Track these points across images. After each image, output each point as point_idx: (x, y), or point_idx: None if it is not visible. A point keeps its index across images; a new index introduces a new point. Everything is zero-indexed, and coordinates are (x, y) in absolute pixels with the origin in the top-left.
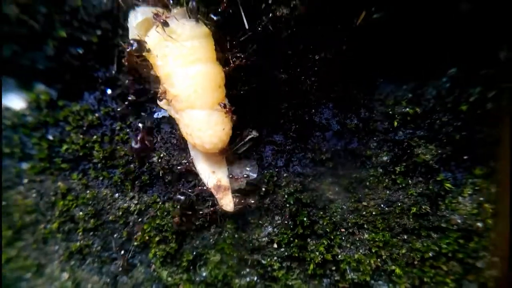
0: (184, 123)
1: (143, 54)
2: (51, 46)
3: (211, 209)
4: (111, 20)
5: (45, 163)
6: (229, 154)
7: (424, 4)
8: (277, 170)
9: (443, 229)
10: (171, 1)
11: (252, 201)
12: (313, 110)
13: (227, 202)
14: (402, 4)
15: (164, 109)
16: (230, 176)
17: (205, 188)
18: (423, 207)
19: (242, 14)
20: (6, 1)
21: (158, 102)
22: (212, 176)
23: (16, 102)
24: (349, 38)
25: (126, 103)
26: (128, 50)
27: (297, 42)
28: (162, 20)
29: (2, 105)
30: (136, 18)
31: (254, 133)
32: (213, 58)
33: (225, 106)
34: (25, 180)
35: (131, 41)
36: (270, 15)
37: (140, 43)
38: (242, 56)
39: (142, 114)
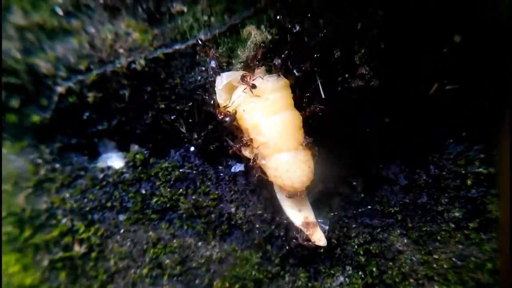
0: (272, 168)
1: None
2: (150, 115)
3: (305, 243)
4: (202, 91)
5: (138, 215)
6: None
7: (494, 74)
8: (346, 221)
9: None
10: (257, 62)
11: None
12: (381, 165)
13: (319, 237)
14: (474, 75)
15: (243, 160)
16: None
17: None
18: (498, 263)
19: (320, 85)
20: (123, 85)
21: (243, 151)
22: (299, 214)
23: (116, 162)
24: (420, 105)
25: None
26: (223, 123)
27: (368, 108)
28: (250, 84)
29: None
30: (222, 82)
31: (321, 186)
32: (292, 105)
33: (307, 145)
34: (122, 230)
35: (225, 119)
36: (346, 85)
37: (231, 117)
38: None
39: (220, 167)
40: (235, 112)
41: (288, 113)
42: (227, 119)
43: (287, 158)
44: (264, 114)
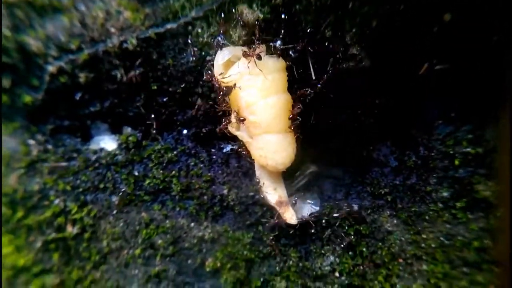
0: (258, 147)
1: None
2: (142, 97)
3: (276, 221)
4: (195, 73)
5: (131, 196)
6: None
7: (484, 54)
8: (336, 202)
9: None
10: (256, 41)
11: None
12: (371, 147)
13: (290, 216)
14: (464, 54)
15: (235, 136)
16: (294, 206)
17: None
18: (485, 241)
19: (311, 66)
20: (115, 65)
21: (230, 128)
22: (274, 193)
23: (109, 144)
24: (410, 85)
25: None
26: (220, 95)
27: (359, 88)
28: (257, 55)
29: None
30: (223, 57)
31: (313, 168)
32: (286, 87)
33: (294, 128)
34: (114, 211)
35: (224, 88)
36: (337, 66)
37: (229, 89)
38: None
39: (213, 150)
40: (233, 85)
41: (283, 96)
42: (224, 91)
43: (276, 140)
44: (261, 94)
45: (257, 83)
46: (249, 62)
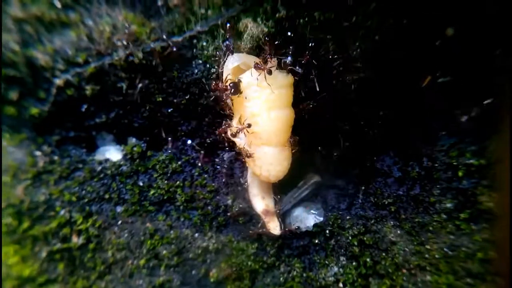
0: (256, 157)
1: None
2: (147, 109)
3: (260, 230)
4: (199, 85)
5: (136, 206)
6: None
7: (487, 66)
8: (340, 213)
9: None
10: (268, 56)
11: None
12: (375, 158)
13: (274, 226)
14: (467, 67)
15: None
16: (297, 218)
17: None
18: (489, 252)
19: (315, 79)
20: (121, 77)
21: (228, 133)
22: (262, 201)
23: (114, 154)
24: (413, 97)
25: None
26: (226, 92)
27: (362, 101)
28: (268, 69)
29: None
30: (234, 63)
31: (316, 178)
32: (291, 103)
33: (291, 143)
34: (119, 222)
35: (231, 84)
36: (340, 79)
37: (237, 86)
38: (310, 103)
39: (217, 160)
40: (239, 82)
41: (287, 111)
42: (232, 90)
43: (273, 153)
44: (266, 107)
45: (263, 95)
46: (259, 75)
